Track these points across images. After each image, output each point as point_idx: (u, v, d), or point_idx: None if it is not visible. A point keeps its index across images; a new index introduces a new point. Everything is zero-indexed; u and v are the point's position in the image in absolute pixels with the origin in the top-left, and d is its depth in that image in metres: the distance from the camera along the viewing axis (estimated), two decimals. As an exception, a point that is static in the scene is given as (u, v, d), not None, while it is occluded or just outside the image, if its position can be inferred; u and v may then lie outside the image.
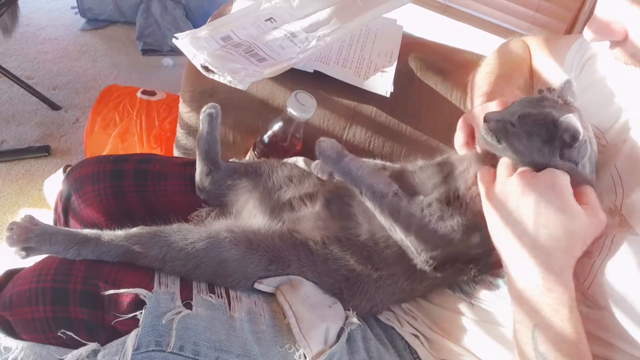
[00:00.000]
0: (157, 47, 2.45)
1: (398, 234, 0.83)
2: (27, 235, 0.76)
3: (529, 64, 1.16)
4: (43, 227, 0.78)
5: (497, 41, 1.80)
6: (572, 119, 0.71)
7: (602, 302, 0.74)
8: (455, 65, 1.31)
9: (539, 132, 0.74)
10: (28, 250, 0.77)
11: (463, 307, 0.87)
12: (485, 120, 0.79)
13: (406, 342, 0.90)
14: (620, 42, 0.74)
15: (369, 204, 0.84)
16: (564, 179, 0.72)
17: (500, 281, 0.84)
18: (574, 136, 0.72)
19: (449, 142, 1.04)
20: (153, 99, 1.77)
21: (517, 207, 0.73)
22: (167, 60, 2.42)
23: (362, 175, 0.84)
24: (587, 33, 0.75)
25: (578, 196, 0.73)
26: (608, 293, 0.72)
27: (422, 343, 0.89)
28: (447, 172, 0.86)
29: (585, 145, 0.73)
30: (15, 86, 2.04)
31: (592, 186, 0.77)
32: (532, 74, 1.15)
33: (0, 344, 0.74)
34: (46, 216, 1.63)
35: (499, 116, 0.78)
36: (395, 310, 0.93)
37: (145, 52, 2.46)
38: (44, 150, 1.90)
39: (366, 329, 0.88)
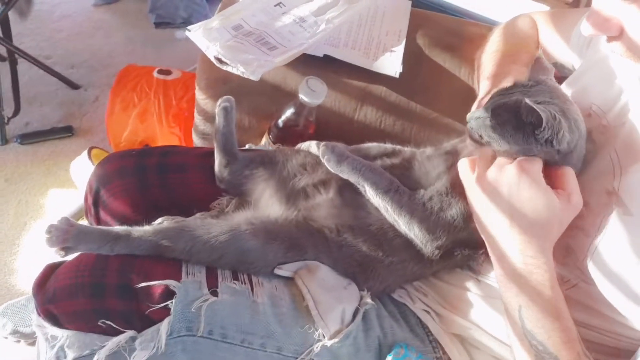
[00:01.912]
0: (169, 19, 2.46)
1: (402, 228, 0.88)
2: (65, 237, 0.82)
3: (536, 40, 1.17)
4: (78, 228, 0.84)
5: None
6: (525, 103, 0.73)
7: (597, 278, 0.78)
8: (463, 40, 1.32)
9: (509, 120, 0.77)
10: (67, 250, 0.83)
11: (470, 283, 0.93)
12: (467, 121, 0.83)
13: (418, 317, 0.96)
14: (616, 37, 0.76)
15: (373, 201, 0.89)
16: (534, 168, 0.75)
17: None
18: (538, 116, 0.73)
19: (459, 118, 1.07)
20: (169, 78, 1.81)
21: (493, 198, 0.77)
22: (180, 33, 2.43)
23: (364, 174, 0.89)
24: (585, 28, 0.77)
25: (557, 179, 0.76)
26: (603, 271, 0.76)
27: (433, 318, 0.94)
28: (451, 161, 0.90)
29: (557, 122, 0.74)
30: (34, 67, 2.07)
31: (573, 159, 0.80)
32: (540, 50, 1.16)
33: (47, 333, 0.81)
34: (73, 196, 1.72)
35: (478, 113, 0.81)
36: (407, 288, 0.99)
37: (157, 25, 2.47)
38: (67, 131, 1.96)
39: (380, 307, 0.94)
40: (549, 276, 0.74)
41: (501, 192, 0.76)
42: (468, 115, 0.84)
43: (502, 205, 0.76)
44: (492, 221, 0.78)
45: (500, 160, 0.79)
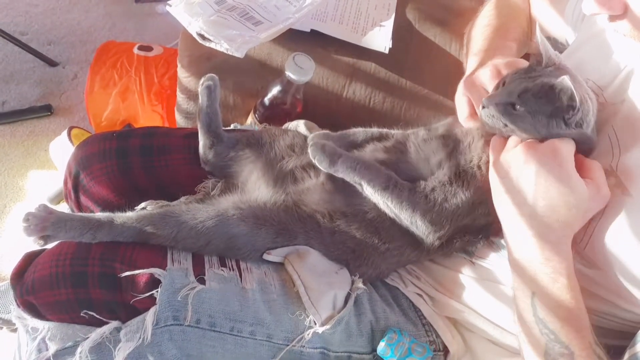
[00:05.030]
0: (149, -7, 2.39)
1: (404, 223, 0.86)
2: (44, 225, 0.79)
3: (527, 14, 1.14)
4: (58, 215, 0.80)
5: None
6: (565, 81, 0.71)
7: (597, 261, 0.77)
8: (453, 14, 1.29)
9: (542, 107, 0.74)
10: (45, 239, 0.79)
11: (465, 266, 0.91)
12: (483, 107, 0.80)
13: (410, 301, 0.94)
14: (619, 16, 0.73)
15: (372, 199, 0.86)
16: (567, 149, 0.73)
17: (502, 241, 0.87)
18: (571, 97, 0.72)
19: (450, 96, 1.04)
20: (150, 54, 1.75)
21: (518, 177, 0.74)
22: (162, 7, 2.35)
23: (360, 172, 0.86)
24: (588, 6, 0.74)
25: (584, 170, 0.74)
26: (603, 253, 0.74)
27: (425, 302, 0.93)
28: (451, 146, 0.87)
29: (586, 103, 0.74)
30: (9, 44, 1.99)
31: (592, 143, 0.78)
32: (531, 23, 1.13)
33: (28, 324, 0.78)
34: (54, 177, 1.67)
35: (497, 99, 0.78)
36: (399, 271, 0.97)
37: (137, -1, 2.40)
38: (46, 110, 1.89)
39: (372, 291, 0.92)
40: (566, 264, 0.71)
41: (529, 172, 0.73)
42: (484, 101, 0.80)
43: (527, 186, 0.73)
44: (513, 203, 0.75)
45: (530, 141, 0.76)
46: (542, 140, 0.76)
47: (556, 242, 0.71)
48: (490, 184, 0.79)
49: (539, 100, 0.75)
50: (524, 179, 0.73)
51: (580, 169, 0.74)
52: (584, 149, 0.77)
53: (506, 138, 0.80)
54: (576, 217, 0.72)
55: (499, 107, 0.77)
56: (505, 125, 0.78)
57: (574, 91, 0.71)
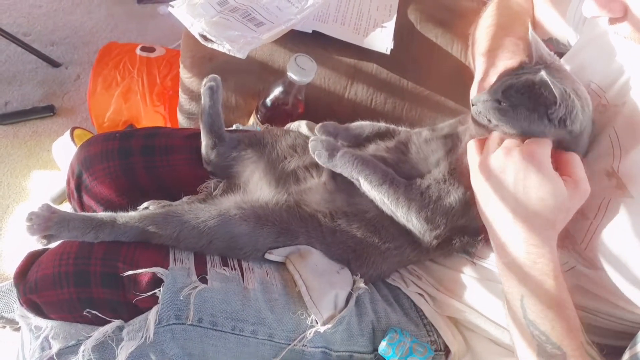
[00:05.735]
0: (151, -6, 2.40)
1: (400, 220, 0.86)
2: (47, 224, 0.79)
3: (531, 14, 1.14)
4: (61, 215, 0.81)
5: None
6: (542, 75, 0.72)
7: (597, 262, 0.77)
8: (455, 16, 1.29)
9: (523, 101, 0.75)
10: (49, 238, 0.80)
11: (466, 266, 0.91)
12: (472, 104, 0.80)
13: (412, 301, 0.94)
14: (620, 18, 0.73)
15: (368, 195, 0.87)
16: (543, 151, 0.73)
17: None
18: (552, 92, 0.72)
19: (451, 96, 1.04)
20: (152, 55, 1.75)
21: (498, 183, 0.75)
22: (164, 8, 2.36)
23: (357, 168, 0.86)
24: (588, 9, 0.74)
25: (563, 166, 0.74)
26: (603, 254, 0.75)
27: (427, 301, 0.93)
28: (450, 145, 0.87)
29: (570, 100, 0.73)
30: (12, 45, 2.00)
31: (582, 142, 0.78)
32: (535, 24, 1.13)
33: (31, 323, 0.79)
34: (56, 177, 1.68)
35: (485, 96, 0.79)
36: (400, 271, 0.97)
37: (140, 0, 2.40)
38: (49, 110, 1.90)
39: (373, 291, 0.93)
40: (553, 266, 0.71)
41: (507, 178, 0.74)
42: (473, 99, 0.81)
43: (507, 191, 0.73)
44: (495, 208, 0.75)
45: (508, 142, 0.77)
46: (523, 138, 0.76)
47: (541, 244, 0.72)
48: (473, 188, 0.80)
49: (521, 96, 0.75)
50: (503, 185, 0.74)
51: (558, 164, 0.74)
52: (572, 150, 0.77)
53: (484, 140, 0.80)
54: (558, 217, 0.72)
55: (485, 103, 0.78)
56: (490, 121, 0.79)
57: (551, 85, 0.70)
